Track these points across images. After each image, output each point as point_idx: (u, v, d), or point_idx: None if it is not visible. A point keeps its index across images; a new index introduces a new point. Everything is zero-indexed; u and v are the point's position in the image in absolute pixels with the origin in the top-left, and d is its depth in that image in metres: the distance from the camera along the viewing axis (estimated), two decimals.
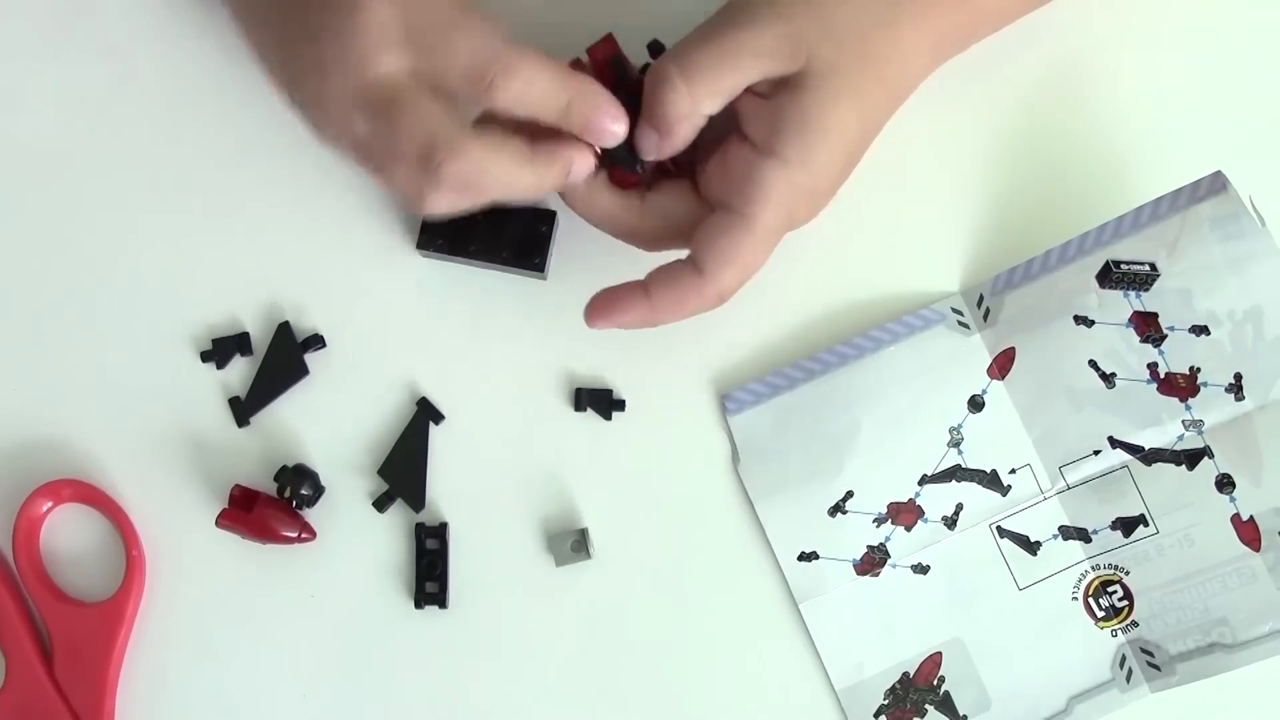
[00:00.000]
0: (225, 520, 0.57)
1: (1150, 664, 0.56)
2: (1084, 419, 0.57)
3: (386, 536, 0.58)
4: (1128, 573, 0.57)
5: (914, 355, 0.58)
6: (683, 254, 0.52)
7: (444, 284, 0.59)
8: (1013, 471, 0.57)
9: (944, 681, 0.57)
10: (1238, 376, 0.56)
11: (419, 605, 0.58)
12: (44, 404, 0.59)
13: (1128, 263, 0.57)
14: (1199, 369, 0.56)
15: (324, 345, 0.59)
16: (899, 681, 0.57)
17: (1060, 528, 0.57)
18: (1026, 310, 0.58)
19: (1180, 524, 0.56)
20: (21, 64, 0.60)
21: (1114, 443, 0.57)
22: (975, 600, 0.57)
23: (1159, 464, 0.57)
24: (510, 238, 0.57)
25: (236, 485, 0.58)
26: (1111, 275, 0.57)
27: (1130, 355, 0.57)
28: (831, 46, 0.50)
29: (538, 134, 0.50)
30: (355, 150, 0.49)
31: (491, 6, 0.60)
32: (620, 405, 0.58)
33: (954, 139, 0.59)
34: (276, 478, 0.57)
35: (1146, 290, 0.57)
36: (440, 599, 0.58)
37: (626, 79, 0.53)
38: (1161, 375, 0.57)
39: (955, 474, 0.57)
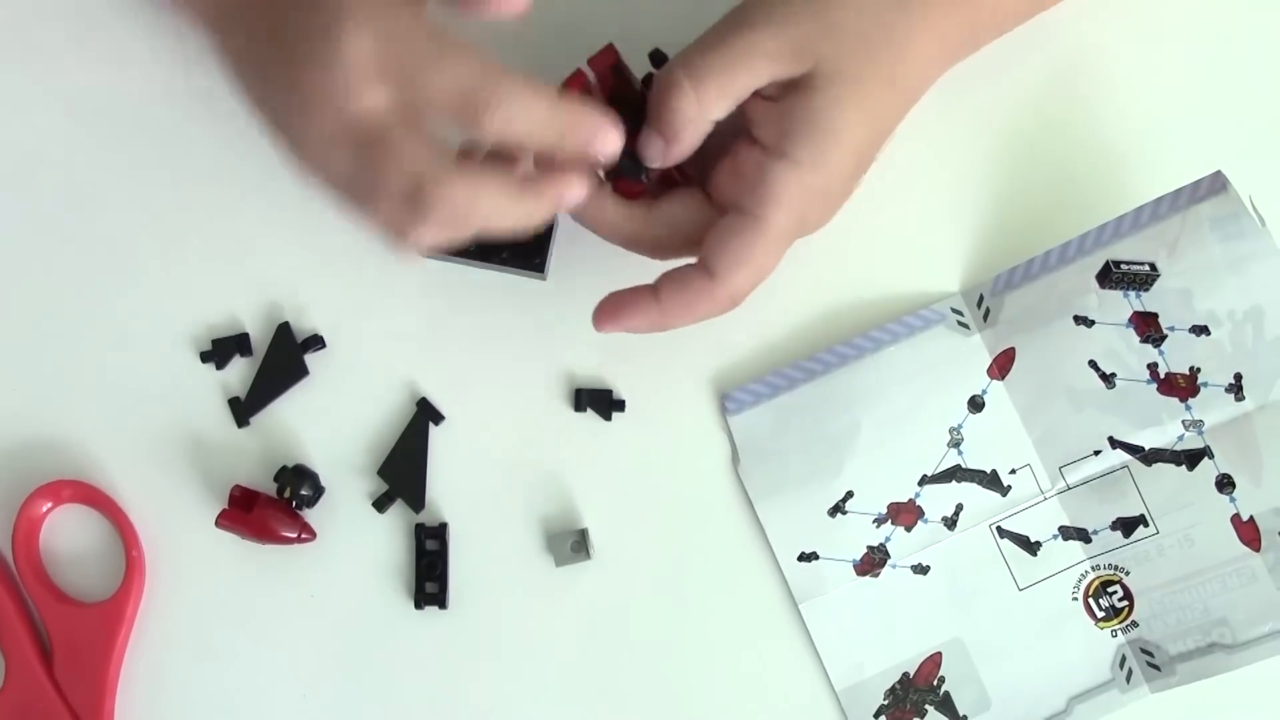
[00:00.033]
0: (225, 520, 0.57)
1: (1150, 664, 0.56)
2: (1084, 419, 0.57)
3: (386, 537, 0.58)
4: (1128, 573, 0.57)
5: (914, 355, 0.58)
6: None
7: (444, 284, 0.59)
8: (1013, 472, 0.57)
9: (944, 682, 0.57)
10: (1238, 377, 0.56)
11: (419, 605, 0.58)
12: (44, 404, 0.59)
13: (1128, 263, 0.57)
14: (1199, 369, 0.56)
15: (324, 345, 0.59)
16: (899, 682, 0.57)
17: (1060, 528, 0.57)
18: (1026, 310, 0.58)
19: (1180, 524, 0.56)
20: (22, 68, 0.60)
21: (1114, 443, 0.57)
22: (975, 600, 0.57)
23: (1159, 464, 0.57)
24: (510, 238, 0.57)
25: (236, 485, 0.58)
26: (1111, 275, 0.57)
27: (1130, 355, 0.57)
28: (838, 48, 0.50)
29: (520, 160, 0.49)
30: (338, 186, 0.48)
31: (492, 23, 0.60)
32: (620, 406, 0.58)
33: (954, 139, 0.59)
34: (276, 478, 0.57)
35: (1146, 290, 0.57)
36: (440, 599, 0.58)
37: (628, 89, 0.53)
38: (1161, 375, 0.57)
39: (955, 474, 0.57)
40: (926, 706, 0.57)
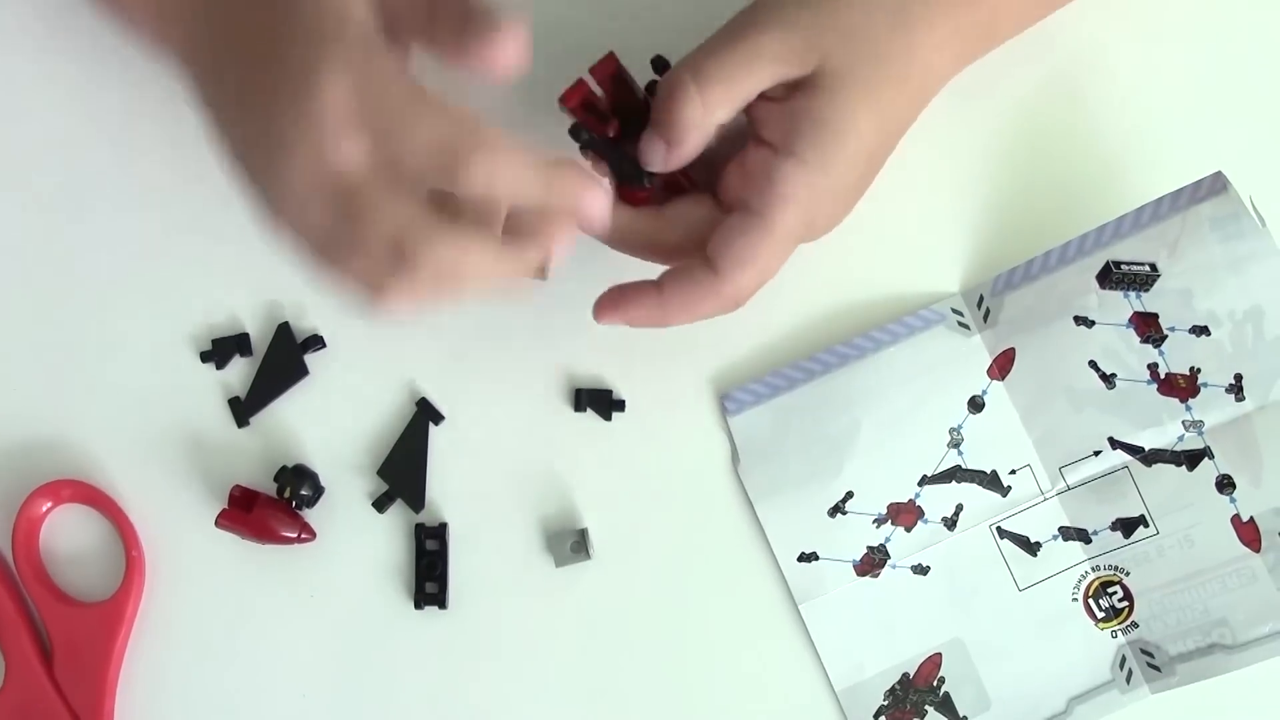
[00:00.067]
0: (225, 520, 0.57)
1: (1150, 665, 0.56)
2: (1084, 420, 0.57)
3: (386, 537, 0.58)
4: (1128, 573, 0.57)
5: (914, 356, 0.58)
6: None
7: None
8: (1013, 472, 0.57)
9: (944, 682, 0.57)
10: (1238, 377, 0.56)
11: (419, 605, 0.58)
12: (44, 404, 0.59)
13: (1128, 263, 0.57)
14: (1199, 369, 0.56)
15: (324, 345, 0.59)
16: (899, 682, 0.57)
17: (1060, 528, 0.57)
18: (1027, 311, 0.58)
19: (1180, 525, 0.56)
20: (21, 66, 0.60)
21: (1114, 443, 0.57)
22: (975, 601, 0.57)
23: (1159, 465, 0.57)
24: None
25: (236, 485, 0.58)
26: (1112, 276, 0.57)
27: (1130, 356, 0.57)
28: (843, 48, 0.50)
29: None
30: (313, 240, 0.46)
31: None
32: (620, 406, 0.58)
33: (954, 140, 0.59)
34: (276, 478, 0.57)
35: (1147, 291, 0.57)
36: (440, 599, 0.58)
37: (631, 96, 0.53)
38: (1162, 376, 0.57)
39: (955, 475, 0.57)
40: (926, 707, 0.57)
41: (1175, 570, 0.56)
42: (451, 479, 0.58)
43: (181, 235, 0.59)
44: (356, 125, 0.44)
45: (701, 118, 0.50)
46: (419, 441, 0.58)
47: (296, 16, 0.46)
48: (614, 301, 0.53)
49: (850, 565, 0.57)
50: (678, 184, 0.54)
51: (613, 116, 0.53)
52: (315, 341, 0.59)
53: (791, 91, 0.51)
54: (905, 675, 0.57)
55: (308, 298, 0.59)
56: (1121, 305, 0.57)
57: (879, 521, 0.57)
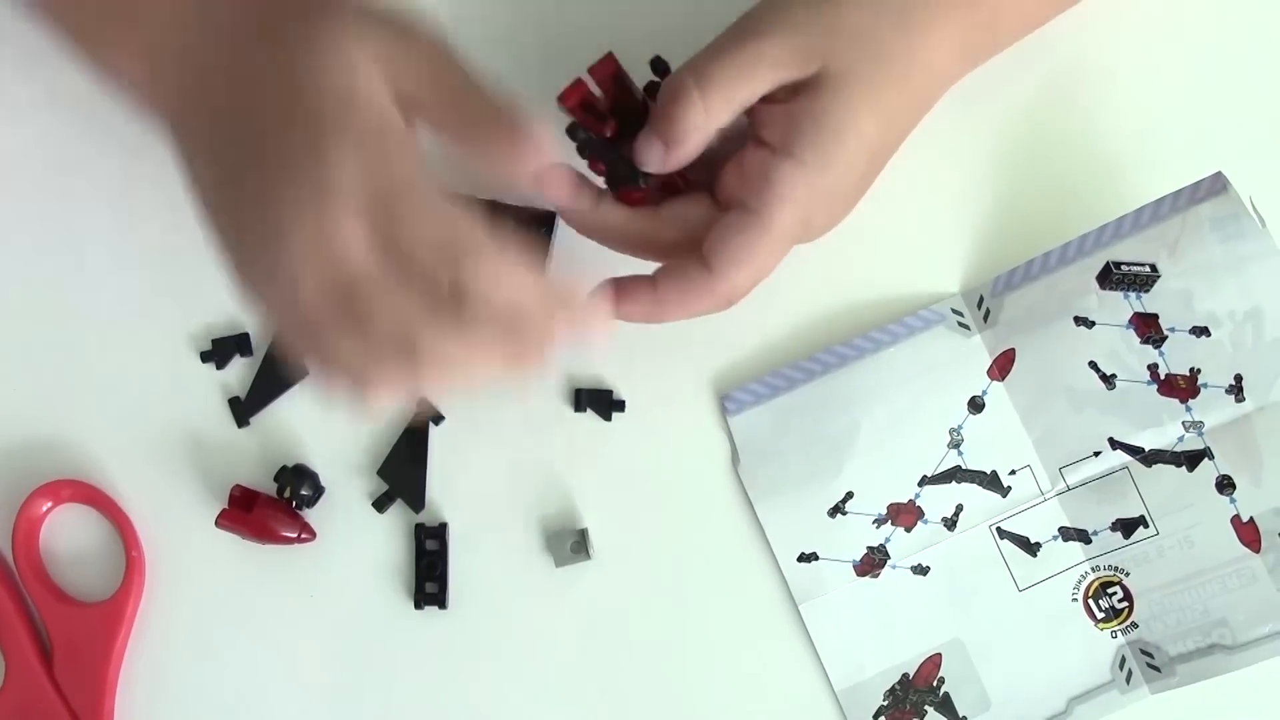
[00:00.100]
0: (225, 520, 0.57)
1: (1150, 665, 0.56)
2: (1084, 420, 0.57)
3: (386, 537, 0.58)
4: (1128, 574, 0.57)
5: (914, 356, 0.58)
6: None
7: None
8: (1013, 473, 0.57)
9: (944, 683, 0.57)
10: (1238, 378, 0.56)
11: (419, 605, 0.58)
12: (44, 404, 0.59)
13: (1128, 264, 0.57)
14: (1199, 370, 0.56)
15: None
16: (899, 682, 0.57)
17: (1060, 529, 0.57)
18: (1027, 311, 0.58)
19: (1180, 525, 0.56)
20: (19, 66, 0.60)
21: (1114, 444, 0.57)
22: (975, 601, 0.57)
23: (1159, 465, 0.57)
24: (511, 239, 0.57)
25: (236, 485, 0.58)
26: (1112, 276, 0.57)
27: (1130, 356, 0.57)
28: (845, 50, 0.50)
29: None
30: (301, 325, 0.44)
31: (495, 27, 0.60)
32: (620, 406, 0.58)
33: (954, 140, 0.59)
34: (276, 478, 0.58)
35: (1147, 291, 0.57)
36: (440, 599, 0.58)
37: (630, 97, 0.53)
38: (1162, 376, 0.57)
39: (955, 475, 0.57)
40: (926, 707, 0.57)
41: (1175, 571, 0.56)
42: (451, 479, 0.58)
43: (182, 235, 0.59)
44: (363, 211, 0.43)
45: (702, 121, 0.50)
46: (419, 441, 0.58)
47: (305, 93, 0.45)
48: (608, 298, 0.53)
49: (850, 565, 0.57)
50: (674, 185, 0.54)
51: (611, 117, 0.53)
52: None
53: (793, 93, 0.50)
54: (905, 675, 0.57)
55: None
56: (1121, 306, 0.57)
57: (879, 522, 0.58)
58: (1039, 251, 0.58)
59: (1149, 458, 0.57)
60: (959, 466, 0.58)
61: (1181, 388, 0.57)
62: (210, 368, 0.59)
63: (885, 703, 0.57)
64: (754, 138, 0.52)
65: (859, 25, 0.50)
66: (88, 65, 0.51)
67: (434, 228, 0.44)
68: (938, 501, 0.57)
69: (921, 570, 0.57)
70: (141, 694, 0.58)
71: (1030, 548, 0.57)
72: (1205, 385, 0.56)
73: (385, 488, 0.58)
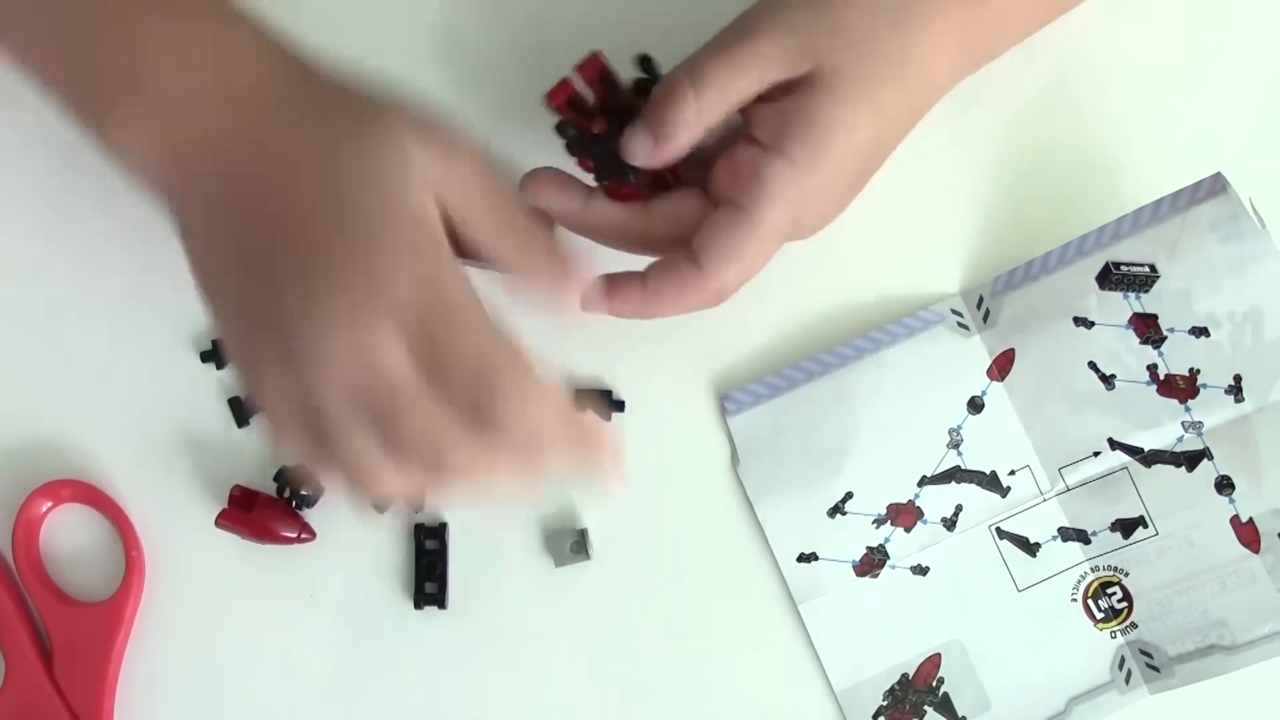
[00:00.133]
0: (225, 520, 0.57)
1: (1149, 665, 0.56)
2: (1083, 420, 0.57)
3: (386, 536, 0.58)
4: (1127, 574, 0.57)
5: (913, 357, 0.58)
6: None
7: None
8: (1012, 473, 0.57)
9: (943, 683, 0.57)
10: (1237, 378, 0.56)
11: (418, 606, 0.58)
12: (44, 404, 0.59)
13: (1127, 264, 0.57)
14: (1198, 370, 0.57)
15: None
16: (898, 683, 0.57)
17: (1059, 529, 0.57)
18: (1026, 312, 0.58)
19: (1179, 526, 0.56)
20: None
21: (1113, 444, 0.57)
22: (974, 601, 0.57)
23: (1158, 465, 0.57)
24: None
25: (236, 485, 0.58)
26: (1111, 277, 0.57)
27: (1130, 357, 0.57)
28: (840, 49, 0.50)
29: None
30: (316, 423, 0.44)
31: (484, 21, 0.60)
32: (620, 406, 0.59)
33: (954, 140, 0.59)
34: (276, 478, 0.58)
35: (1146, 292, 0.57)
36: (440, 599, 0.58)
37: (617, 93, 0.53)
38: (1161, 377, 0.57)
39: (955, 475, 0.57)
40: (925, 707, 0.57)
41: (1174, 571, 0.56)
42: None
43: None
44: (408, 323, 0.43)
45: (694, 117, 0.50)
46: None
47: (357, 196, 0.45)
48: (600, 292, 0.53)
49: (850, 566, 0.57)
50: (664, 182, 0.54)
51: (599, 114, 0.53)
52: None
53: (787, 92, 0.51)
54: (904, 675, 0.57)
55: None
56: (1121, 306, 0.57)
57: (878, 522, 0.58)
58: (1039, 252, 0.58)
59: (1148, 458, 0.57)
60: (958, 467, 0.58)
61: (1181, 388, 0.57)
62: (210, 368, 0.59)
63: (885, 703, 0.57)
64: (746, 135, 0.52)
65: (854, 25, 0.50)
66: (81, 133, 0.50)
67: (476, 348, 0.44)
68: (937, 502, 0.57)
69: (921, 570, 0.57)
70: (141, 694, 0.58)
71: (1030, 548, 0.57)
72: (1204, 386, 0.57)
73: None
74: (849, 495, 0.57)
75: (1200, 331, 0.56)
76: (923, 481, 0.58)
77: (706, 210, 0.52)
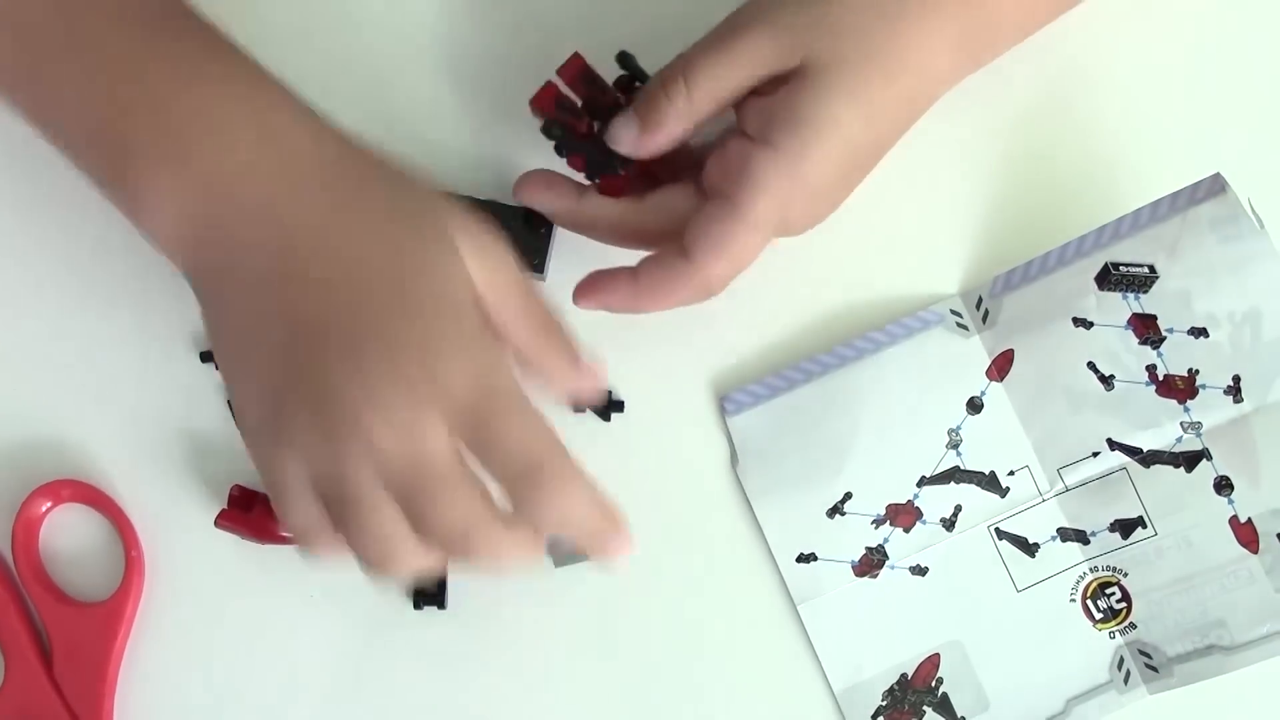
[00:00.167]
0: (224, 521, 0.57)
1: (1148, 666, 0.56)
2: (1082, 421, 0.57)
3: None
4: (1126, 574, 0.57)
5: (913, 357, 0.58)
6: None
7: None
8: (1011, 473, 0.57)
9: (942, 683, 0.57)
10: (1236, 379, 0.56)
11: (418, 606, 0.58)
12: (44, 404, 0.59)
13: (1127, 265, 0.57)
14: (1197, 371, 0.57)
15: None
16: (897, 683, 0.57)
17: (1059, 529, 0.57)
18: (1025, 312, 0.58)
19: (1178, 526, 0.57)
20: None
21: (1112, 444, 0.57)
22: (973, 602, 0.57)
23: (1157, 466, 0.57)
24: (509, 239, 0.57)
25: (236, 485, 0.58)
26: (1110, 277, 0.57)
27: (1129, 357, 0.57)
28: (831, 42, 0.50)
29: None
30: (343, 507, 0.45)
31: (482, 21, 0.60)
32: (619, 406, 0.59)
33: (953, 140, 0.59)
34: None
35: (1145, 292, 0.57)
36: (439, 599, 0.58)
37: (602, 94, 0.54)
38: (1160, 377, 0.57)
39: (954, 476, 0.58)
40: (925, 708, 0.57)
41: (1173, 571, 0.56)
42: None
43: None
44: (458, 411, 0.44)
45: (684, 109, 0.51)
46: None
47: (419, 285, 0.46)
48: (591, 286, 0.53)
49: (849, 566, 0.58)
50: (651, 173, 0.54)
51: (585, 114, 0.54)
52: None
53: (776, 85, 0.51)
54: (904, 676, 0.57)
55: None
56: (1120, 307, 0.57)
57: (878, 522, 0.58)
58: (1038, 252, 0.58)
59: (1147, 458, 0.57)
60: (958, 467, 0.58)
61: (1180, 388, 0.57)
62: (210, 368, 0.59)
63: (884, 703, 0.57)
64: (739, 131, 0.52)
65: (846, 20, 0.50)
66: (106, 198, 0.50)
67: (523, 440, 0.45)
68: (936, 502, 0.57)
69: (920, 571, 0.57)
70: (141, 694, 0.58)
71: (1029, 548, 0.57)
72: (1203, 386, 0.57)
73: None
74: (848, 495, 0.58)
75: (1199, 332, 0.56)
76: (922, 482, 0.58)
77: (699, 204, 0.52)
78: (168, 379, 0.59)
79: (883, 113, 0.52)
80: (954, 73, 0.54)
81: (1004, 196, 0.59)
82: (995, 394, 0.58)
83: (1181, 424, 0.57)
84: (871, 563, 0.58)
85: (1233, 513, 0.56)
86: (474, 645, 0.58)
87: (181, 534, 0.58)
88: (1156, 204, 0.56)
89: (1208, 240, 0.56)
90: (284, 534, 0.57)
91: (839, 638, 0.57)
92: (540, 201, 0.55)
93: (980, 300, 0.58)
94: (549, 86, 0.54)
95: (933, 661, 0.57)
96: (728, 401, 0.58)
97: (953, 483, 0.57)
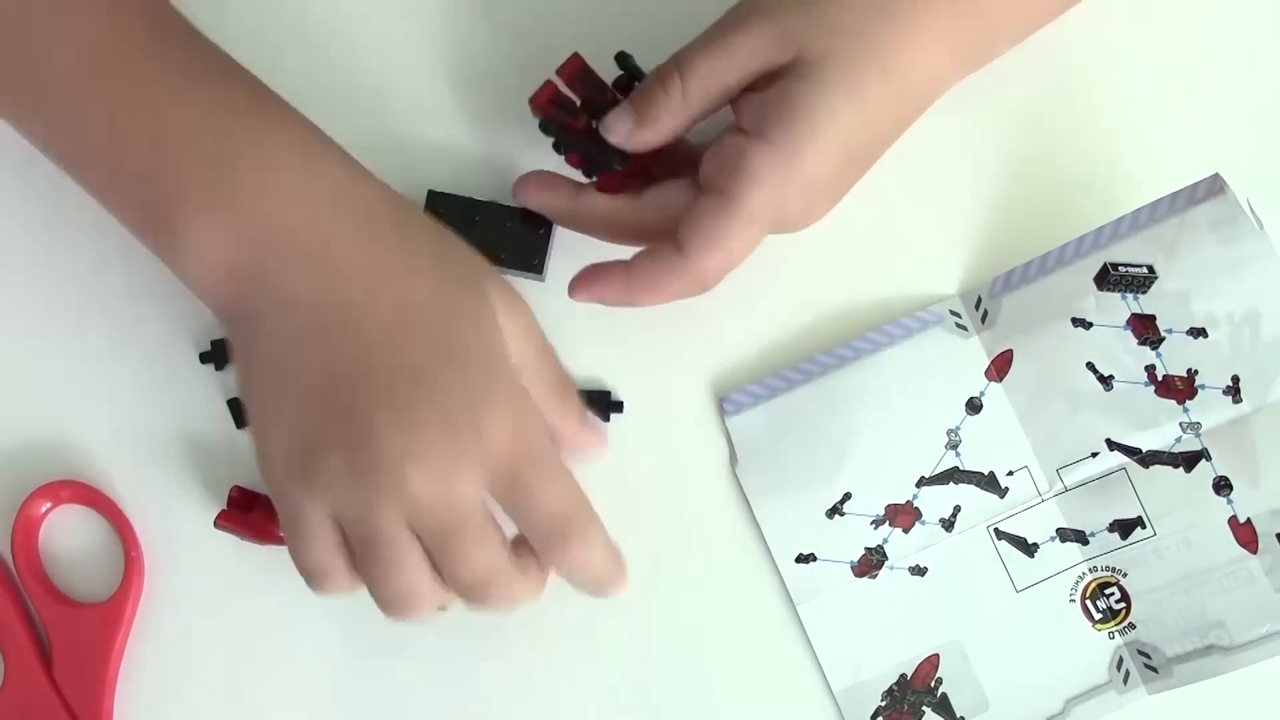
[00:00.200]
0: (224, 521, 0.57)
1: (1147, 666, 0.56)
2: (1082, 421, 0.57)
3: None
4: (1125, 575, 0.57)
5: (912, 358, 0.58)
6: None
7: None
8: (1010, 473, 0.57)
9: (941, 683, 0.57)
10: (1235, 379, 0.56)
11: None
12: (43, 404, 0.59)
13: (1126, 265, 0.57)
14: (1197, 371, 0.57)
15: None
16: (896, 683, 0.57)
17: (1058, 530, 0.57)
18: (1025, 312, 0.58)
19: (1178, 526, 0.57)
20: None
21: (1111, 445, 0.57)
22: (973, 602, 0.57)
23: (1156, 466, 0.57)
24: (509, 240, 0.57)
25: (235, 486, 0.58)
26: (1109, 277, 0.57)
27: (1128, 357, 0.57)
28: (824, 38, 0.50)
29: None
30: (367, 550, 0.47)
31: (483, 21, 0.60)
32: (619, 407, 0.59)
33: (952, 141, 0.59)
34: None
35: (1144, 293, 0.57)
36: None
37: (600, 92, 0.54)
38: (1159, 377, 0.57)
39: (953, 476, 0.58)
40: (924, 708, 0.57)
41: (1172, 572, 0.56)
42: None
43: None
44: (497, 467, 0.46)
45: (679, 104, 0.51)
46: None
47: (467, 342, 0.48)
48: (586, 279, 0.54)
49: (848, 566, 0.58)
50: (645, 169, 0.55)
51: (583, 113, 0.54)
52: None
53: (770, 81, 0.51)
54: (903, 676, 0.57)
55: None
56: (1119, 307, 0.57)
57: (877, 523, 0.58)
58: (1037, 253, 0.58)
59: (1146, 459, 0.57)
60: (957, 467, 0.58)
61: (1179, 389, 0.57)
62: (210, 369, 0.59)
63: (883, 703, 0.57)
64: (736, 128, 0.52)
65: (843, 20, 0.50)
66: (141, 242, 0.51)
67: (556, 498, 0.48)
68: (935, 502, 0.57)
69: (919, 571, 0.58)
70: (141, 694, 0.58)
71: (1028, 548, 0.57)
72: (1203, 386, 0.57)
73: None
74: (847, 496, 0.58)
75: (1198, 332, 0.56)
76: (921, 482, 0.58)
77: (696, 199, 0.52)
78: (167, 380, 0.59)
79: (879, 110, 0.52)
80: (953, 72, 0.54)
81: (1003, 197, 0.59)
82: (994, 394, 0.58)
83: (1181, 424, 0.57)
84: (871, 563, 0.58)
85: (1232, 513, 0.56)
86: (474, 645, 0.58)
87: (181, 534, 0.58)
88: (1155, 204, 0.56)
89: (1207, 241, 0.56)
90: (283, 535, 0.57)
91: (838, 638, 0.57)
92: (538, 200, 0.55)
93: (979, 301, 0.58)
94: (548, 85, 0.54)
95: (932, 662, 0.57)
96: (727, 402, 0.58)
97: (952, 483, 0.58)
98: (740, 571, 0.58)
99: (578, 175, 0.55)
